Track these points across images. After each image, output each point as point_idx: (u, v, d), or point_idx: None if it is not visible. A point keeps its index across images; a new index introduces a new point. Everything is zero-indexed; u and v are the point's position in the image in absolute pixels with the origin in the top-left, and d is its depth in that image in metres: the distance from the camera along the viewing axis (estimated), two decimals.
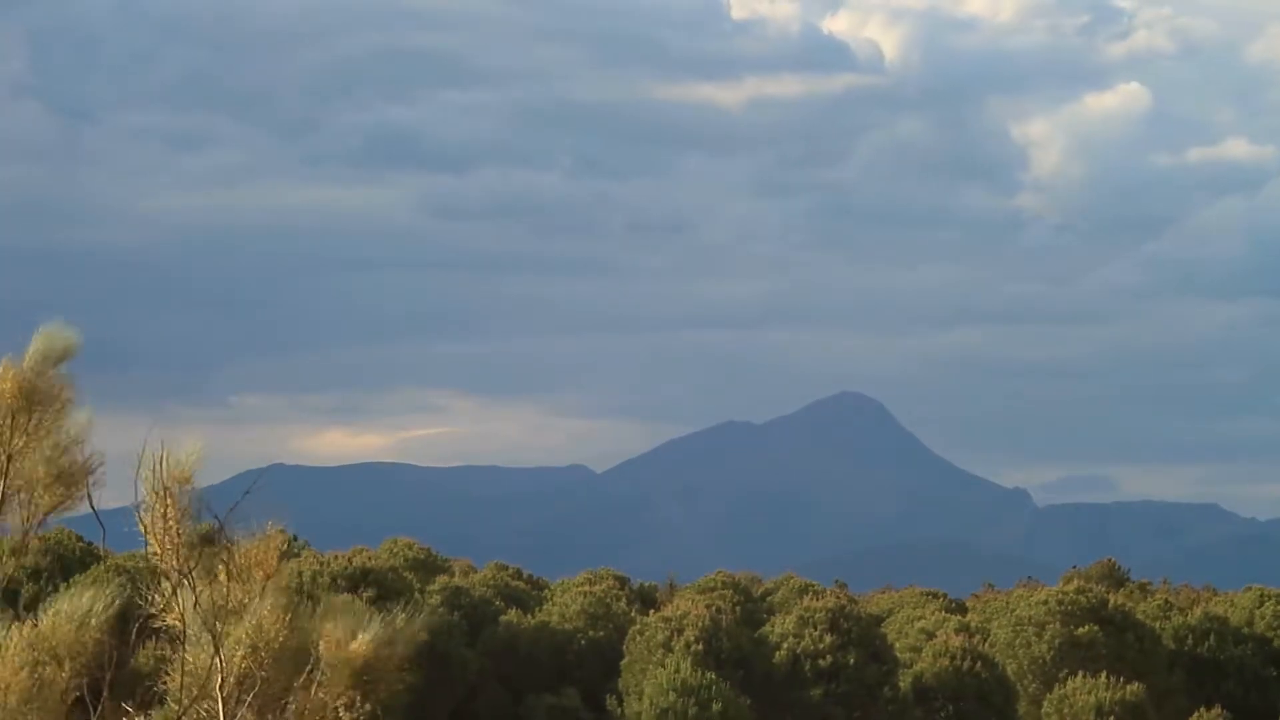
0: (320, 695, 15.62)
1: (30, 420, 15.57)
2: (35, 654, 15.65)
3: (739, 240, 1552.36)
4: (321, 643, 15.95)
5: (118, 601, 16.11)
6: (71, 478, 15.86)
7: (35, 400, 15.61)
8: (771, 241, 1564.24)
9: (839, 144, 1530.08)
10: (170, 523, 15.11)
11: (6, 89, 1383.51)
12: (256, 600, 15.36)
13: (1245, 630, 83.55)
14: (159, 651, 16.87)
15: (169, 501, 15.15)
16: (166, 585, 15.34)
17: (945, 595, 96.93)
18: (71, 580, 59.10)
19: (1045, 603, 77.96)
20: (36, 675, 15.52)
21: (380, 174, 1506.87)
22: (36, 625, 15.98)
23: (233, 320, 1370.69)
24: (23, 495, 15.89)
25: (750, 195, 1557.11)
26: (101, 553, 69.23)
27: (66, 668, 15.61)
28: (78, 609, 15.80)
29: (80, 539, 72.66)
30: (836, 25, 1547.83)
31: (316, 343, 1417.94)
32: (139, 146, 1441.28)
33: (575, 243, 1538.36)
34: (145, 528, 15.37)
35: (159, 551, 15.25)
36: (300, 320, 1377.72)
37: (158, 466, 15.24)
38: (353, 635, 16.01)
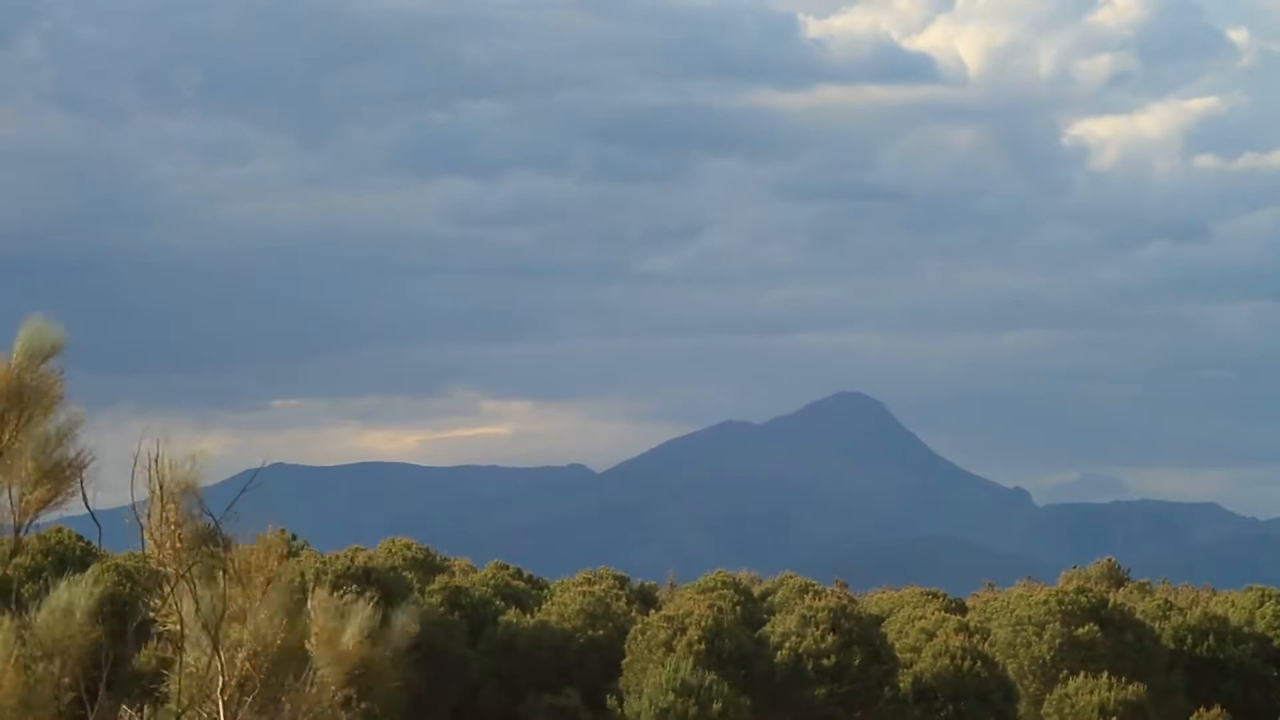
0: (315, 694, 15.56)
1: (19, 417, 15.46)
2: (26, 649, 15.60)
3: (748, 243, 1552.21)
4: (313, 640, 15.89)
5: (98, 592, 16.05)
6: (61, 474, 15.78)
7: (23, 397, 15.50)
8: (778, 244, 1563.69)
9: (878, 151, 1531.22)
10: (170, 524, 15.03)
11: (33, 95, 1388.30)
12: (257, 603, 15.29)
13: (1245, 630, 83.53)
14: (159, 652, 16.83)
15: (168, 503, 15.07)
16: (166, 587, 15.28)
17: (945, 595, 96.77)
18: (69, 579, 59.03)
19: (1045, 602, 77.92)
20: (28, 671, 15.47)
21: (422, 180, 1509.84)
22: (25, 620, 15.94)
23: (277, 324, 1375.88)
24: (13, 493, 15.80)
25: (770, 200, 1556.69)
26: (100, 552, 69.21)
27: (57, 663, 15.55)
28: (61, 602, 15.75)
29: (80, 538, 72.63)
30: (929, 38, 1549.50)
31: (357, 346, 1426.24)
32: (187, 153, 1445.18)
33: (589, 248, 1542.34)
34: (144, 529, 15.30)
35: (158, 553, 15.17)
36: (344, 324, 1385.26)
37: (157, 467, 15.17)
38: (344, 631, 15.94)
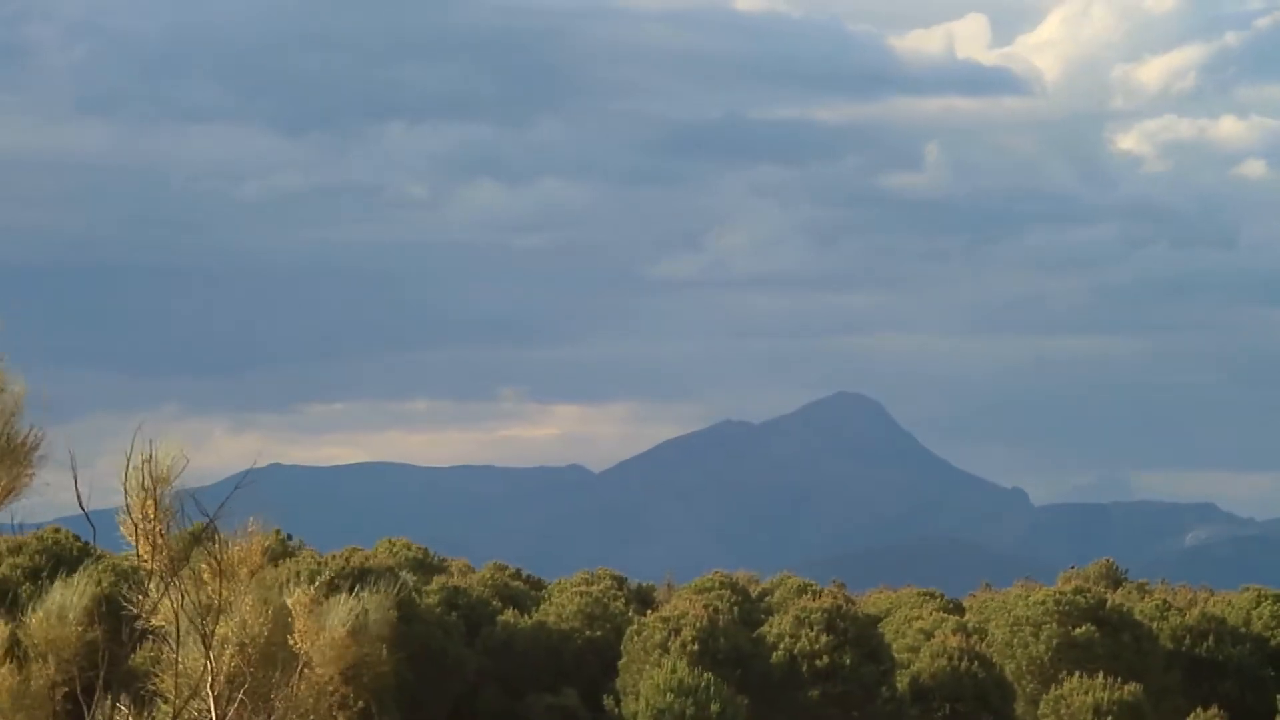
0: (304, 690, 15.58)
1: None
2: (20, 650, 15.60)
3: (753, 245, 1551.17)
4: (296, 636, 15.89)
5: (91, 593, 16.04)
6: (14, 458, 15.60)
7: None
8: (780, 244, 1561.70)
9: (916, 155, 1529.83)
10: (154, 522, 15.03)
11: (69, 104, 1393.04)
12: (242, 597, 15.28)
13: (1243, 630, 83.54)
14: (153, 651, 16.85)
15: (152, 501, 15.07)
16: (153, 585, 15.29)
17: (943, 595, 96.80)
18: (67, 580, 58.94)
19: (1043, 603, 77.90)
20: (23, 672, 15.49)
21: (462, 186, 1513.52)
22: (20, 621, 15.95)
23: (319, 328, 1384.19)
24: None
25: (780, 205, 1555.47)
26: (96, 552, 69.22)
27: (51, 663, 15.54)
28: (56, 603, 15.71)
29: (77, 538, 72.69)
30: (1011, 51, 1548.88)
31: (395, 349, 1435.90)
32: (224, 159, 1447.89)
33: (609, 253, 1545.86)
34: (130, 528, 15.30)
35: (143, 552, 15.17)
36: (373, 329, 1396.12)
37: (142, 466, 15.17)
38: (326, 624, 15.92)
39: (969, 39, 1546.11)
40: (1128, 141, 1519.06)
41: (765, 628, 75.98)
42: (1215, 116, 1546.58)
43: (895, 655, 76.69)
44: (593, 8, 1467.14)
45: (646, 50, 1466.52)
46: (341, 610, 16.04)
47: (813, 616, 73.87)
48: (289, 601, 15.91)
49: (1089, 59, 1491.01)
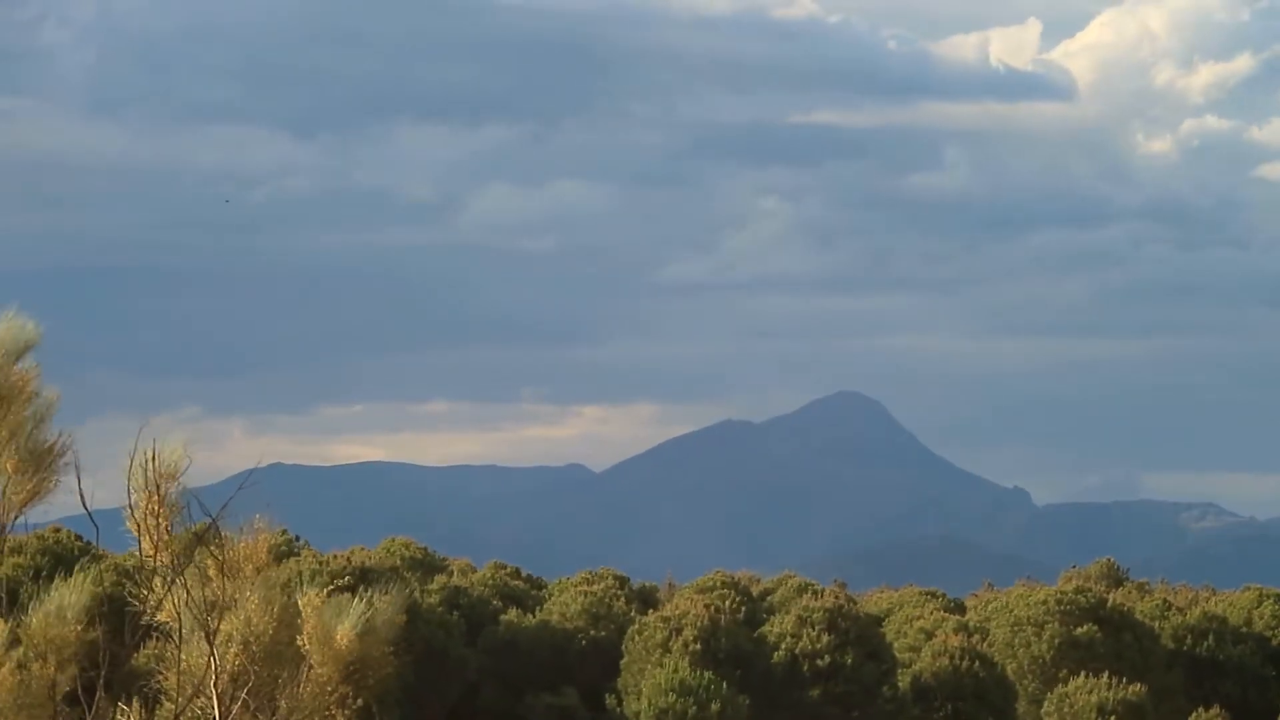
0: (309, 690, 15.55)
1: None
2: (21, 650, 15.57)
3: (753, 244, 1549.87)
4: (304, 637, 15.87)
5: (92, 592, 16.00)
6: (40, 464, 15.59)
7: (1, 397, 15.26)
8: (779, 243, 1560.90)
9: (934, 159, 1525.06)
10: (160, 519, 15.01)
11: (85, 105, 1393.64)
12: (247, 595, 15.26)
13: (1244, 629, 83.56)
14: (156, 649, 16.81)
15: (158, 498, 15.05)
16: (158, 582, 15.27)
17: (944, 595, 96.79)
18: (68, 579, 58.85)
19: (1045, 602, 77.95)
20: (24, 671, 15.46)
21: (475, 189, 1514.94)
22: (21, 621, 15.92)
23: (336, 330, 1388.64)
24: None
25: (782, 207, 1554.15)
26: (98, 552, 69.23)
27: (52, 663, 15.51)
28: (55, 602, 15.67)
29: (80, 538, 72.68)
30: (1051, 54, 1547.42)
31: (418, 350, 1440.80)
32: (238, 160, 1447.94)
33: (621, 256, 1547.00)
34: (135, 525, 15.27)
35: (150, 549, 15.15)
36: (386, 332, 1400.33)
37: (147, 464, 15.15)
38: (335, 627, 15.90)
39: (1016, 44, 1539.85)
40: (1150, 145, 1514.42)
41: (767, 627, 75.99)
42: (1247, 122, 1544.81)
43: (896, 655, 76.71)
44: (624, 13, 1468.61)
45: (679, 55, 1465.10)
46: (352, 613, 16.01)
47: (815, 616, 73.89)
48: (299, 602, 15.88)
49: (1127, 64, 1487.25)
